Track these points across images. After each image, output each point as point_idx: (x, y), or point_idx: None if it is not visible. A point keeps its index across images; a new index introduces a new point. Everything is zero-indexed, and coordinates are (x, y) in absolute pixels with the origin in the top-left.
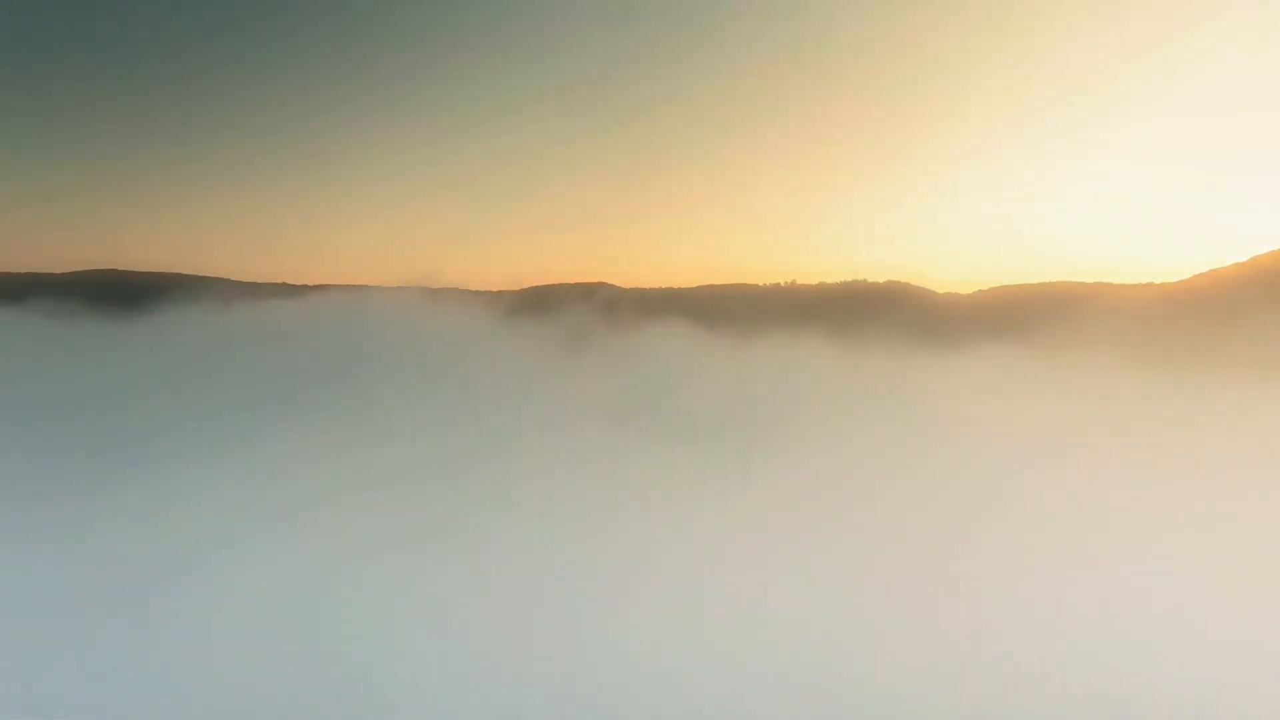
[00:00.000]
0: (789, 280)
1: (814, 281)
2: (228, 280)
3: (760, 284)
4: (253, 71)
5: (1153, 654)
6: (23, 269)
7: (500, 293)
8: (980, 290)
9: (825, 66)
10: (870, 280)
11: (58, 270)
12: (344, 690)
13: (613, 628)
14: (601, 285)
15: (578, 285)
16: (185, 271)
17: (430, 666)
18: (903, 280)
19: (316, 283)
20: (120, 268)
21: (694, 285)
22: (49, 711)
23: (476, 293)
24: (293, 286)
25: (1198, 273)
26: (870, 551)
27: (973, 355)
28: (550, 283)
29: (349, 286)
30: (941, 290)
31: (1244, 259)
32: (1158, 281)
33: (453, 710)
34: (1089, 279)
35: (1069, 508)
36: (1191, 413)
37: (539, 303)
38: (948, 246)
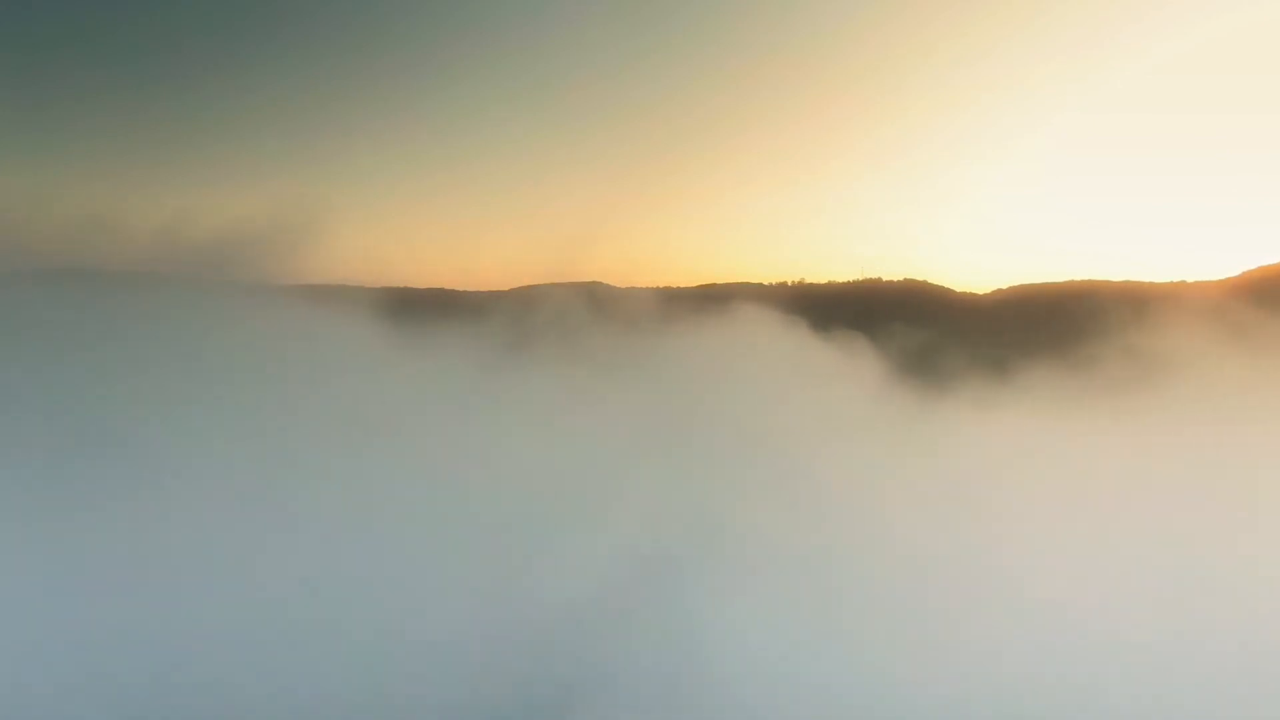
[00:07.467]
0: (796, 279)
1: (823, 280)
2: (208, 279)
3: (765, 283)
4: (236, 63)
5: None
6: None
7: (492, 292)
8: (999, 289)
9: (829, 58)
10: (886, 279)
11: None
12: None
13: None
14: (596, 285)
15: (571, 284)
16: (165, 270)
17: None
18: (920, 279)
19: (297, 282)
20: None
21: (694, 285)
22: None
23: (466, 292)
24: (279, 286)
25: (1245, 270)
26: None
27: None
28: (542, 282)
29: (332, 286)
30: (959, 289)
31: None
32: (1190, 280)
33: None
34: (1115, 278)
35: (1089, 511)
36: (1226, 416)
37: (531, 303)
38: (964, 243)
